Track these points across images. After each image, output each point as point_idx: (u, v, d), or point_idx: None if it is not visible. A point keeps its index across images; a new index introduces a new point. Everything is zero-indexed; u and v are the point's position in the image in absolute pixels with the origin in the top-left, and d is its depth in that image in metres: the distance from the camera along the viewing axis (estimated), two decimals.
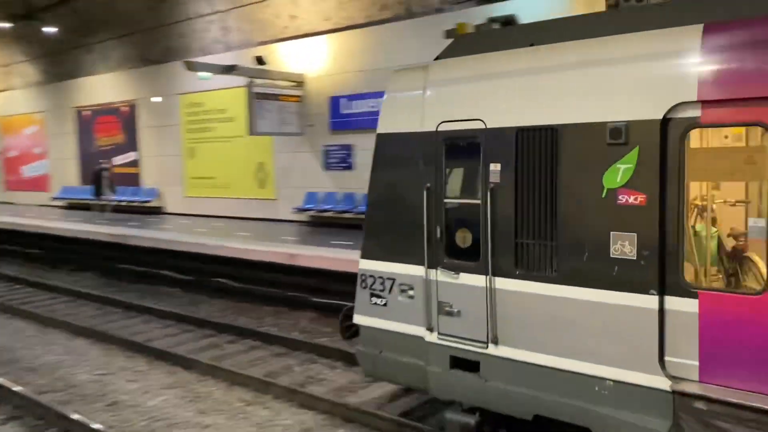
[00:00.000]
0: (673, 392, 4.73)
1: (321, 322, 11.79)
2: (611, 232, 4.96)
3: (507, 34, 6.22)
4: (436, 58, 6.38)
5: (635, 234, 4.84)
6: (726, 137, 5.62)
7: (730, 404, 4.50)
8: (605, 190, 4.98)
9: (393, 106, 6.50)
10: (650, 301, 4.81)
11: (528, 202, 5.42)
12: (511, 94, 5.58)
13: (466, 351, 5.88)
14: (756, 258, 5.16)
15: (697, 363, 4.71)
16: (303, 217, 18.76)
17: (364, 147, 17.38)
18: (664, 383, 4.77)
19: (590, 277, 5.10)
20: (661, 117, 4.74)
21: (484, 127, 5.67)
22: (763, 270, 4.74)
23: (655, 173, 4.75)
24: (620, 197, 4.90)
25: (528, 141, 5.41)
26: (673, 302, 4.78)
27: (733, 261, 5.55)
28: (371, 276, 6.62)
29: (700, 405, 4.63)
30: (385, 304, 6.50)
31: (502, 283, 5.61)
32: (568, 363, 5.24)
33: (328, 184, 18.36)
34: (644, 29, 5.03)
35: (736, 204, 5.79)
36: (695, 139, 4.99)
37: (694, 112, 4.65)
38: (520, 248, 5.49)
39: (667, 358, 4.83)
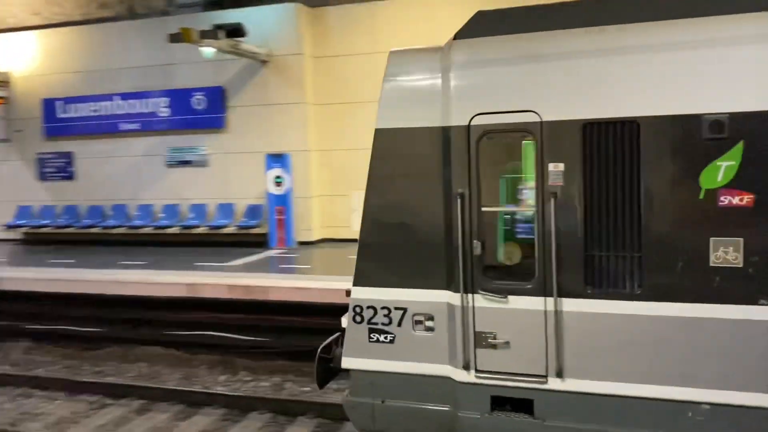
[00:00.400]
0: None
1: (38, 351, 10.55)
2: (711, 238, 4.48)
3: (559, 8, 5.27)
4: (456, 37, 5.25)
5: (741, 239, 4.39)
6: None
7: None
8: (703, 191, 4.47)
9: (399, 95, 5.34)
10: (761, 312, 4.38)
11: (601, 207, 4.78)
12: (575, 82, 4.82)
13: (514, 389, 5.04)
14: None
15: None
16: (15, 234, 16.61)
17: (86, 154, 16.03)
18: None
19: (685, 291, 4.57)
20: None
21: (538, 120, 4.87)
22: None
23: (764, 170, 4.33)
24: (722, 198, 4.43)
25: (599, 136, 4.76)
26: None
27: None
28: (370, 307, 5.44)
29: None
30: (391, 341, 5.40)
31: (568, 304, 4.84)
32: (652, 390, 4.68)
33: (45, 197, 16.51)
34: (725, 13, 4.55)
35: None
36: None
37: None
38: (591, 262, 4.80)
39: None
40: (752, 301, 4.40)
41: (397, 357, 5.38)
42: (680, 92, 4.54)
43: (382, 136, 5.36)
